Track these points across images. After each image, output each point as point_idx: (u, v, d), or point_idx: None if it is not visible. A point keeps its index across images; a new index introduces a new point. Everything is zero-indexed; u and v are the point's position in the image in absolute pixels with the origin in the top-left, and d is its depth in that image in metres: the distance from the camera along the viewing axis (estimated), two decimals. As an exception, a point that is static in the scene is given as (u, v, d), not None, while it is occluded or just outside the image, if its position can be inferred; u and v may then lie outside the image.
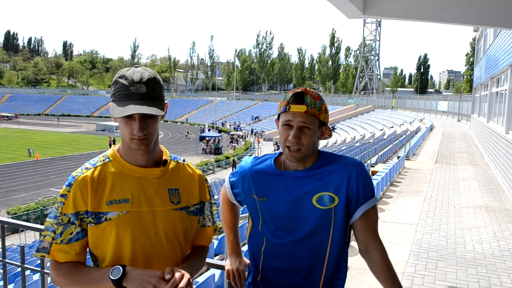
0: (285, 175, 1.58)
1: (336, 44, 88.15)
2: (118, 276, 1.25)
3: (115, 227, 1.33)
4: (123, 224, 1.34)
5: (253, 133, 51.42)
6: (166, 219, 1.40)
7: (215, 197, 1.66)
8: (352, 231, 1.65)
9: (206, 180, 1.58)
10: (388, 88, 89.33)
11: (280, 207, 1.57)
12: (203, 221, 1.55)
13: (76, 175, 1.36)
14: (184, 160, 1.55)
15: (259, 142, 44.39)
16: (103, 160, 1.41)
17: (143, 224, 1.36)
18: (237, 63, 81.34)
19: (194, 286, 1.62)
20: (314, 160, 1.59)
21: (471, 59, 51.68)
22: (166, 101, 1.41)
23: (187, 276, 1.27)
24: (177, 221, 1.42)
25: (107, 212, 1.34)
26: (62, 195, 1.35)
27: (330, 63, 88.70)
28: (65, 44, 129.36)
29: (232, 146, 44.52)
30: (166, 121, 64.37)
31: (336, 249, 1.58)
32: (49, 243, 1.34)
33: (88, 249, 1.41)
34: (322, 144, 40.19)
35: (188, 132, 53.30)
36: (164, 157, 1.46)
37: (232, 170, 1.87)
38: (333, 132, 1.69)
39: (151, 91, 1.33)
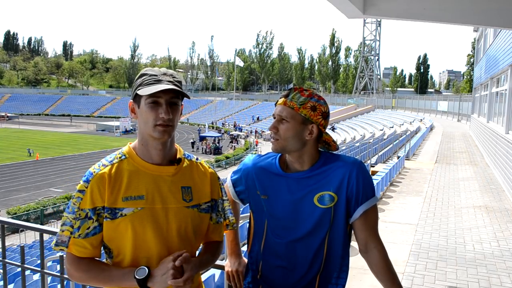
0: (288, 177, 1.59)
1: (336, 44, 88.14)
2: (144, 276, 1.31)
3: (130, 223, 1.37)
4: (138, 220, 1.38)
5: (255, 133, 51.37)
6: (178, 216, 1.43)
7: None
8: (352, 231, 1.65)
9: (219, 178, 1.62)
10: (388, 88, 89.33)
11: (281, 207, 1.59)
12: (216, 218, 1.58)
13: (94, 172, 1.40)
14: (197, 159, 1.58)
15: (257, 144, 43.86)
16: (120, 158, 1.45)
17: (157, 220, 1.40)
18: (238, 62, 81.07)
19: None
20: (315, 160, 1.59)
21: (471, 60, 51.71)
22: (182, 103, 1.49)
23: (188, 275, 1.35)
24: (188, 219, 1.45)
25: (123, 208, 1.37)
26: (80, 191, 1.39)
27: (330, 63, 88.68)
28: (65, 44, 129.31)
29: (232, 146, 44.48)
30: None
31: (335, 248, 1.59)
32: (67, 237, 1.38)
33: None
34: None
35: None
36: (178, 156, 1.50)
37: None
38: (338, 146, 1.69)
39: (177, 82, 1.42)
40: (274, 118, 1.58)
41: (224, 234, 1.71)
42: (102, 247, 1.45)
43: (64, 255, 1.46)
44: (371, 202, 1.56)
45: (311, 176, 1.57)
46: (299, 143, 1.55)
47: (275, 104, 1.60)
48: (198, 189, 1.50)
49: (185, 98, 1.43)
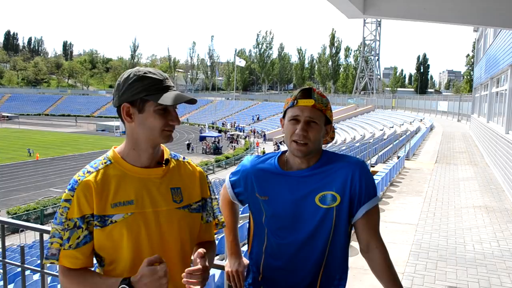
0: (288, 175, 1.58)
1: (336, 44, 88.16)
2: None
3: (121, 229, 1.34)
4: (129, 226, 1.34)
5: (253, 133, 51.33)
6: (170, 219, 1.40)
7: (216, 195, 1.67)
8: (352, 231, 1.65)
9: (207, 176, 1.60)
10: (388, 88, 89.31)
11: (282, 207, 1.57)
12: (206, 217, 1.56)
13: (79, 179, 1.35)
14: (184, 158, 1.56)
15: (258, 146, 43.44)
16: (105, 163, 1.40)
17: (148, 224, 1.37)
18: (238, 62, 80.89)
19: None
20: (317, 158, 1.58)
21: (471, 60, 51.75)
22: None
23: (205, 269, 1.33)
24: (181, 220, 1.43)
25: (113, 215, 1.34)
26: (66, 200, 1.34)
27: (330, 63, 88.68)
28: (65, 44, 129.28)
29: (232, 146, 44.46)
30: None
31: (337, 249, 1.58)
32: (57, 250, 1.33)
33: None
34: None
35: None
36: (165, 156, 1.47)
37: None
38: (335, 134, 1.69)
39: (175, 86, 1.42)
40: (296, 120, 1.52)
41: (223, 235, 1.70)
42: (93, 256, 1.41)
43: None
44: (373, 201, 1.56)
45: (312, 174, 1.55)
46: (319, 144, 1.56)
47: (294, 104, 1.52)
48: (188, 189, 1.48)
49: (186, 94, 1.43)
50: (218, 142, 43.46)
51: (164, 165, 1.44)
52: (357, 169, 1.54)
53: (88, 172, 1.37)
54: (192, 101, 1.39)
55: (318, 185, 1.54)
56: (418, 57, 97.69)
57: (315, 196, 1.54)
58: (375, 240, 1.57)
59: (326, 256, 1.57)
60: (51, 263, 1.34)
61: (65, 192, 1.36)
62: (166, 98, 1.33)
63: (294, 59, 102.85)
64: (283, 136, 1.63)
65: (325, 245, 1.56)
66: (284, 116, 1.60)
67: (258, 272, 1.67)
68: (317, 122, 1.51)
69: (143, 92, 1.34)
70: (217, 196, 1.64)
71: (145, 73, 1.37)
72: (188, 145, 41.93)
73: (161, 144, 1.48)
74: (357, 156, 19.08)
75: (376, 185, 8.06)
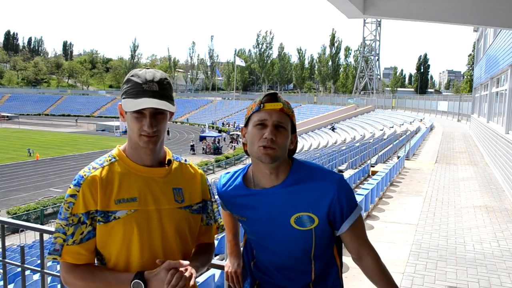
0: (257, 194, 1.52)
1: (336, 44, 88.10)
2: None
3: (124, 225, 1.35)
4: (132, 222, 1.36)
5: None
6: (171, 218, 1.42)
7: (215, 196, 1.67)
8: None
9: (207, 179, 1.61)
10: (388, 88, 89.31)
11: (258, 227, 1.55)
12: (206, 220, 1.58)
13: (85, 175, 1.37)
14: (185, 160, 1.58)
15: None
16: (110, 160, 1.42)
17: (151, 222, 1.38)
18: (239, 62, 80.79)
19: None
20: (287, 171, 1.51)
21: (473, 60, 51.78)
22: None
23: (191, 269, 1.31)
24: (182, 220, 1.45)
25: (116, 211, 1.35)
26: (71, 195, 1.35)
27: (330, 63, 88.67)
28: (65, 44, 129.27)
29: (232, 146, 44.46)
30: (166, 121, 64.03)
31: (321, 262, 1.59)
32: (60, 245, 1.34)
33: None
34: (322, 143, 40.05)
35: None
36: (167, 157, 1.49)
37: None
38: (298, 142, 1.65)
39: (162, 89, 1.37)
40: (263, 125, 1.45)
41: (224, 235, 1.71)
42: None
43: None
44: (355, 213, 1.52)
45: (284, 192, 1.49)
46: (286, 152, 1.49)
47: (260, 108, 1.47)
48: (189, 190, 1.50)
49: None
50: (218, 142, 43.43)
51: (166, 165, 1.46)
52: (335, 189, 1.47)
53: (94, 168, 1.40)
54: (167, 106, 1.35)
55: (292, 205, 1.48)
56: (420, 57, 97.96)
57: (290, 217, 1.48)
58: (365, 247, 1.55)
59: (313, 270, 1.58)
60: (53, 258, 1.35)
61: (69, 187, 1.37)
62: (130, 104, 1.33)
63: (294, 59, 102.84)
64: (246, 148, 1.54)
65: (309, 262, 1.56)
66: (246, 125, 1.52)
67: (253, 280, 1.71)
68: (285, 127, 1.45)
69: (124, 94, 1.38)
70: (216, 199, 1.65)
71: (132, 75, 1.38)
72: (192, 146, 41.12)
73: (164, 146, 1.50)
74: (357, 156, 18.97)
75: (376, 186, 7.94)
